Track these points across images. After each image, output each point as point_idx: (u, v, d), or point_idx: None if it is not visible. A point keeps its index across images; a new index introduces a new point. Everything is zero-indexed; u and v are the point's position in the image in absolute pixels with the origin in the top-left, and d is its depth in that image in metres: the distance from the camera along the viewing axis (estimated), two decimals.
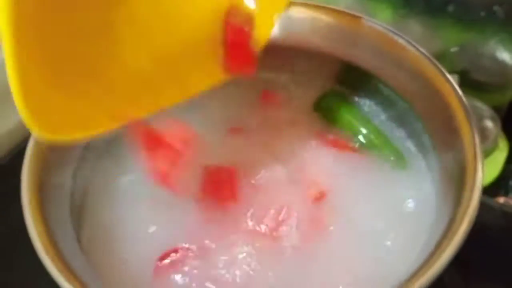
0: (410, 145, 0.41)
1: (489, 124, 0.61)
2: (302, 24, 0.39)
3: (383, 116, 0.43)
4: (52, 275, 0.27)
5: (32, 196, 0.29)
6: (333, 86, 0.45)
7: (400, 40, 0.38)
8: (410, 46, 0.38)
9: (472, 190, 0.30)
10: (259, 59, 0.37)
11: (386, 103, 0.42)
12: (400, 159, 0.41)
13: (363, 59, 0.40)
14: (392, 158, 0.41)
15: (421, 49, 0.38)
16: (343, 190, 0.37)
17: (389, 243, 0.34)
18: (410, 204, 0.37)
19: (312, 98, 0.44)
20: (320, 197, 0.36)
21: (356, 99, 0.44)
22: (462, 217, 0.28)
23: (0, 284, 0.46)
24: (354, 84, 0.44)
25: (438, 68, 0.37)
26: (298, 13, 0.39)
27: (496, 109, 0.61)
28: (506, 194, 0.61)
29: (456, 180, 0.32)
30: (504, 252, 0.49)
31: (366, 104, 0.44)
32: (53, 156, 0.33)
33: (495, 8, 0.56)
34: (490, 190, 0.56)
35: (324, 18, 0.40)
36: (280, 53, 0.41)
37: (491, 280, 0.46)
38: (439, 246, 0.28)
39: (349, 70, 0.42)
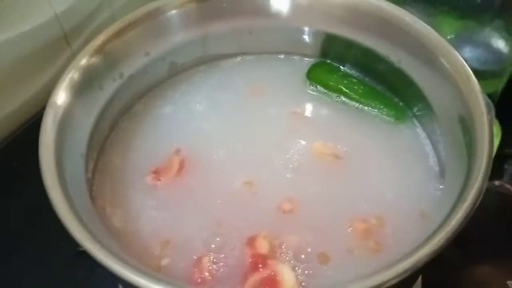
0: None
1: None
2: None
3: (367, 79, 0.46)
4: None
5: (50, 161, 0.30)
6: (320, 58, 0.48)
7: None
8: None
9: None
10: None
11: (370, 70, 0.45)
12: (400, 112, 0.44)
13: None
14: (392, 112, 0.44)
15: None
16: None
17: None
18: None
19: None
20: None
21: (342, 67, 0.47)
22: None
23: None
24: (338, 55, 0.47)
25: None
26: None
27: (490, 96, 0.63)
28: (500, 177, 0.62)
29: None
30: (500, 230, 0.50)
31: (352, 71, 0.47)
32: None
33: None
34: None
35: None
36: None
37: (488, 256, 0.47)
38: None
39: (332, 43, 0.46)
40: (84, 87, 0.37)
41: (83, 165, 0.35)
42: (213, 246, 0.35)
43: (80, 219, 0.28)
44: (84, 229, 0.27)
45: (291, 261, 0.34)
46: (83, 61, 0.37)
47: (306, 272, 0.34)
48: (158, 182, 0.39)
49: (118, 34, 0.39)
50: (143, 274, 0.26)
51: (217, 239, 0.36)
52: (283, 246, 0.35)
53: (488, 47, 0.61)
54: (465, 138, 0.34)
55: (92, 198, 0.38)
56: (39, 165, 0.30)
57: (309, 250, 0.35)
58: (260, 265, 0.33)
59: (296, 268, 0.34)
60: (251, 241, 0.35)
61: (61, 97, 0.35)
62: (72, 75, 0.36)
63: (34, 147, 0.60)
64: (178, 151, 0.40)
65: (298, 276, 0.34)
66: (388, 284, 0.25)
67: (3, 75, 0.59)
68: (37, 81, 0.66)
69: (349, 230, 0.36)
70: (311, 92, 0.47)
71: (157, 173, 0.39)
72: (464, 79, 0.36)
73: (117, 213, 0.38)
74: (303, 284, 0.33)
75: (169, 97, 0.46)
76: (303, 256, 0.35)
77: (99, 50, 0.38)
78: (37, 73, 0.65)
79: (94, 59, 0.38)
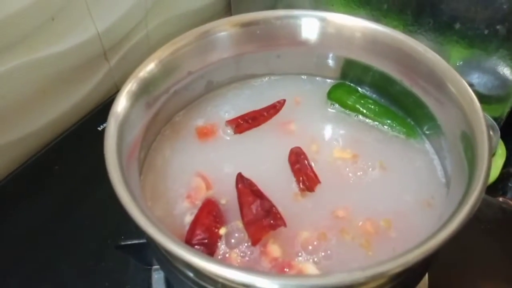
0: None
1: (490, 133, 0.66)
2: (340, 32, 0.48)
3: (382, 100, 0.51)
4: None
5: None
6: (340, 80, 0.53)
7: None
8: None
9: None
10: None
11: (385, 92, 0.50)
12: (411, 130, 0.48)
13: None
14: (404, 129, 0.48)
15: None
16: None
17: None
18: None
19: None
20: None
21: (359, 89, 0.52)
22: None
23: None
24: (356, 77, 0.51)
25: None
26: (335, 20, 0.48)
27: (496, 119, 0.66)
28: (504, 194, 0.67)
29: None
30: (501, 241, 0.54)
31: (369, 92, 0.52)
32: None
33: (498, 26, 0.60)
34: (490, 191, 0.60)
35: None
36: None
37: (490, 263, 0.52)
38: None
39: (351, 67, 0.50)
40: (138, 97, 0.42)
41: (137, 166, 0.40)
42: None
43: (146, 215, 0.32)
44: (152, 223, 0.31)
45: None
46: (140, 74, 0.42)
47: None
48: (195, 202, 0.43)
49: (171, 53, 0.44)
50: (213, 261, 0.30)
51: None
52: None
53: (494, 73, 0.65)
54: (467, 153, 0.39)
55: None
56: (106, 165, 0.35)
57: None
58: (286, 268, 0.38)
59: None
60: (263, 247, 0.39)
61: (121, 105, 0.40)
62: (132, 84, 0.41)
63: (71, 153, 0.65)
64: (198, 174, 0.44)
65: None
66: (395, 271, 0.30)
67: (45, 87, 0.64)
68: (76, 94, 0.71)
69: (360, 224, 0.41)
70: (331, 110, 0.52)
71: (190, 197, 0.43)
72: (468, 101, 0.40)
73: (157, 212, 0.42)
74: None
75: (202, 111, 0.51)
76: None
77: (153, 66, 0.43)
78: (76, 87, 0.71)
79: (148, 73, 0.43)
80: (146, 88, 0.43)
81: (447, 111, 0.43)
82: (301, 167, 0.44)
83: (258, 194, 0.41)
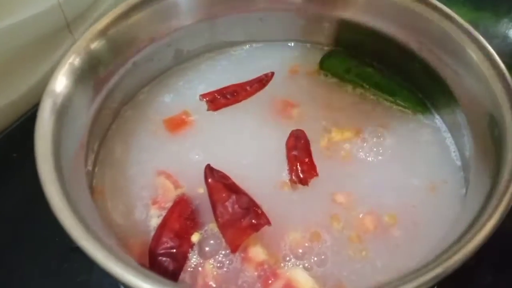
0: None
1: None
2: None
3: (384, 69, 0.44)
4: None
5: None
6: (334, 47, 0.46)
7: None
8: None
9: None
10: None
11: (387, 59, 0.43)
12: (419, 104, 0.42)
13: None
14: (410, 103, 0.42)
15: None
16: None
17: None
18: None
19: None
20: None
21: (357, 56, 0.45)
22: None
23: None
24: (353, 43, 0.45)
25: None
26: None
27: None
28: None
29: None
30: None
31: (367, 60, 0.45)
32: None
33: None
34: None
35: None
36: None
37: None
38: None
39: (347, 31, 0.43)
40: (85, 73, 0.34)
41: (83, 156, 0.33)
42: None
43: (76, 215, 0.25)
44: (80, 226, 0.25)
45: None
46: (84, 46, 0.35)
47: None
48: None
49: (122, 17, 0.37)
50: (139, 275, 0.24)
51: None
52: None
53: (505, 38, 0.59)
54: (493, 132, 0.32)
55: (92, 190, 0.36)
56: (35, 157, 0.28)
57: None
58: (270, 279, 0.31)
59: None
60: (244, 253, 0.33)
61: (60, 84, 0.32)
62: (72, 61, 0.34)
63: (32, 140, 0.58)
64: (160, 173, 0.37)
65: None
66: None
67: (3, 63, 0.57)
68: (38, 70, 0.64)
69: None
70: (324, 82, 0.44)
71: (156, 203, 0.36)
72: (494, 71, 0.34)
73: (118, 207, 0.35)
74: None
75: (171, 86, 0.44)
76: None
77: (101, 34, 0.36)
78: (38, 62, 0.63)
79: (95, 44, 0.35)
80: (94, 61, 0.35)
81: (466, 84, 0.36)
82: (298, 155, 0.37)
83: (233, 188, 0.34)
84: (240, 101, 0.42)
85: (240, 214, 0.33)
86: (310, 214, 0.35)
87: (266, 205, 0.34)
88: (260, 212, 0.33)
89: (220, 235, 0.33)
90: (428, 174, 0.38)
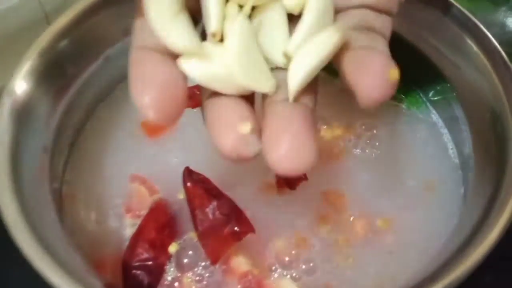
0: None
1: None
2: None
3: None
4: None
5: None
6: None
7: None
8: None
9: None
10: None
11: None
12: (412, 97, 0.39)
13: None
14: (403, 96, 0.39)
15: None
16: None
17: None
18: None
19: None
20: None
21: None
22: None
23: None
24: None
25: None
26: None
27: None
28: None
29: None
30: None
31: None
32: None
33: None
34: None
35: None
36: None
37: None
38: None
39: None
40: (48, 71, 0.32)
41: (47, 161, 0.30)
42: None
43: (34, 230, 0.23)
44: (36, 243, 0.22)
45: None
46: (47, 42, 0.32)
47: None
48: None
49: (90, 9, 0.34)
50: None
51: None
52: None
53: (503, 27, 0.57)
54: (495, 127, 0.30)
55: (62, 197, 0.33)
56: None
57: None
58: None
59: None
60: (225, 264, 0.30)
61: (20, 84, 0.30)
62: (33, 60, 0.31)
63: None
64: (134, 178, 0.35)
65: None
66: None
67: None
68: (13, 67, 0.61)
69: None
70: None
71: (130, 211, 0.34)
72: (495, 62, 0.31)
73: (91, 216, 0.33)
74: None
75: None
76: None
77: (66, 29, 0.33)
78: (12, 58, 0.61)
79: (60, 40, 0.33)
80: (57, 59, 0.33)
81: (465, 75, 0.34)
82: None
83: (214, 193, 0.31)
84: None
85: (221, 221, 0.30)
86: (298, 219, 0.32)
87: (250, 210, 0.31)
88: (243, 218, 0.30)
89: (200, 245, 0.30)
90: (424, 173, 0.35)
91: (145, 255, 0.29)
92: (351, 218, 0.33)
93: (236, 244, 0.30)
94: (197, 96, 0.38)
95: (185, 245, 0.31)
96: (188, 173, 0.32)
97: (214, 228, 0.30)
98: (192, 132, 0.37)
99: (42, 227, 0.24)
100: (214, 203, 0.30)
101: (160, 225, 0.31)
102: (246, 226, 0.30)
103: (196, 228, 0.30)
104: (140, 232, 0.31)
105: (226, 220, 0.30)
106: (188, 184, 0.32)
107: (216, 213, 0.30)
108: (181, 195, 0.33)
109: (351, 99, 0.38)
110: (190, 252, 0.30)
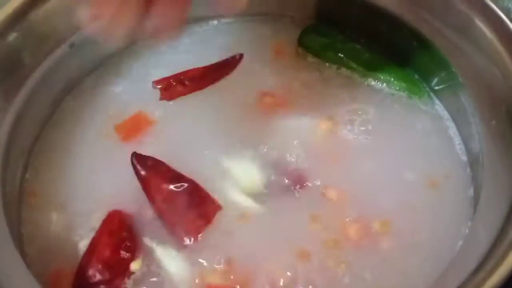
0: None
1: None
2: None
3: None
4: None
5: None
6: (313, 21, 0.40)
7: None
8: None
9: None
10: None
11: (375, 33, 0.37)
12: (415, 85, 0.36)
13: None
14: (404, 84, 0.36)
15: None
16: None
17: None
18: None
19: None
20: None
21: (340, 31, 0.39)
22: None
23: None
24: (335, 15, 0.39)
25: None
26: None
27: None
28: None
29: None
30: None
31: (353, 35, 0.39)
32: None
33: None
34: None
35: None
36: None
37: None
38: None
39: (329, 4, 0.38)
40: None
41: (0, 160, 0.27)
42: None
43: None
44: None
45: None
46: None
47: None
48: None
49: None
50: None
51: None
52: None
53: (508, 13, 0.54)
54: (510, 119, 0.26)
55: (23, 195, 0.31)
56: None
57: None
58: None
59: None
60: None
61: None
62: None
63: None
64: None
65: None
66: None
67: None
68: None
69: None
70: (303, 63, 0.38)
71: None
72: (509, 48, 0.28)
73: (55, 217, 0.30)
74: None
75: (123, 71, 0.37)
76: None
77: (17, 15, 0.30)
78: None
79: (10, 29, 0.29)
80: (9, 50, 0.30)
81: (474, 63, 0.30)
82: None
83: (171, 176, 0.29)
84: (202, 88, 0.36)
85: (185, 205, 0.28)
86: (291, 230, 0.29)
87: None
88: (208, 198, 0.29)
89: (173, 259, 0.27)
90: (427, 170, 0.32)
91: (98, 277, 0.26)
92: (347, 220, 0.30)
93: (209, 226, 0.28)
94: (173, 87, 0.35)
95: (149, 262, 0.27)
96: (139, 159, 0.30)
97: (180, 214, 0.28)
98: (167, 127, 0.34)
99: None
100: (172, 186, 0.29)
101: (116, 240, 0.27)
102: (212, 206, 0.29)
103: (161, 219, 0.28)
104: (93, 249, 0.27)
105: (190, 202, 0.28)
106: (142, 172, 0.29)
107: (179, 198, 0.28)
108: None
109: (349, 89, 0.35)
110: (154, 279, 0.27)
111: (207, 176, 0.30)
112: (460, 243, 0.27)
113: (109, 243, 0.27)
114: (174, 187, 0.28)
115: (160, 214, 0.28)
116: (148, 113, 0.34)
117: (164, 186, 0.28)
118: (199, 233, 0.28)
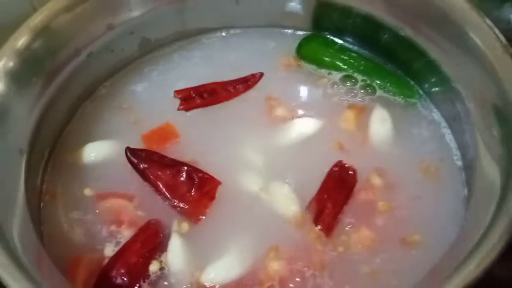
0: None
1: None
2: None
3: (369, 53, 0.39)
4: None
5: None
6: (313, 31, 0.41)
7: None
8: None
9: None
10: None
11: (373, 42, 0.38)
12: (410, 91, 0.38)
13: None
14: (401, 90, 0.37)
15: None
16: None
17: None
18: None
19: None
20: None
21: (338, 40, 0.40)
22: None
23: None
24: (333, 24, 0.40)
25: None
26: None
27: None
28: None
29: None
30: None
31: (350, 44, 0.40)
32: None
33: None
34: None
35: None
36: None
37: None
38: None
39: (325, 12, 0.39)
40: (24, 72, 0.30)
41: (24, 164, 0.29)
42: None
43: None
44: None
45: None
46: (21, 42, 0.30)
47: None
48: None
49: (68, 5, 0.32)
50: None
51: None
52: None
53: (509, 24, 0.55)
54: (501, 127, 0.28)
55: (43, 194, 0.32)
56: None
57: None
58: None
59: None
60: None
61: None
62: (6, 61, 0.29)
63: None
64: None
65: None
66: None
67: None
68: None
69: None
70: (302, 71, 0.39)
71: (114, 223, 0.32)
72: (502, 57, 0.29)
73: (73, 219, 0.31)
74: None
75: (139, 79, 0.39)
76: None
77: (42, 26, 0.31)
78: None
79: (35, 38, 0.31)
80: (34, 58, 0.31)
81: (468, 72, 0.32)
82: (331, 202, 0.31)
83: (167, 162, 0.31)
84: (218, 103, 0.37)
85: (186, 187, 0.30)
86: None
87: None
88: (206, 176, 0.31)
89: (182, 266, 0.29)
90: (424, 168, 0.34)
91: (119, 280, 0.27)
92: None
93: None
94: (192, 100, 0.36)
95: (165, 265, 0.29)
96: (132, 153, 0.31)
97: (183, 195, 0.30)
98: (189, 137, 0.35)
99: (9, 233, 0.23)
100: (170, 172, 0.31)
101: (147, 248, 0.29)
102: (211, 182, 0.30)
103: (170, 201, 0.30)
104: (123, 253, 0.29)
105: (190, 183, 0.30)
106: (140, 166, 0.31)
107: (179, 181, 0.30)
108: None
109: (350, 97, 0.36)
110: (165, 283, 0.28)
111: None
112: (453, 239, 0.27)
113: (138, 251, 0.28)
114: (172, 172, 0.30)
115: (166, 199, 0.30)
116: (174, 124, 0.35)
117: (163, 172, 0.30)
118: (206, 209, 0.30)
